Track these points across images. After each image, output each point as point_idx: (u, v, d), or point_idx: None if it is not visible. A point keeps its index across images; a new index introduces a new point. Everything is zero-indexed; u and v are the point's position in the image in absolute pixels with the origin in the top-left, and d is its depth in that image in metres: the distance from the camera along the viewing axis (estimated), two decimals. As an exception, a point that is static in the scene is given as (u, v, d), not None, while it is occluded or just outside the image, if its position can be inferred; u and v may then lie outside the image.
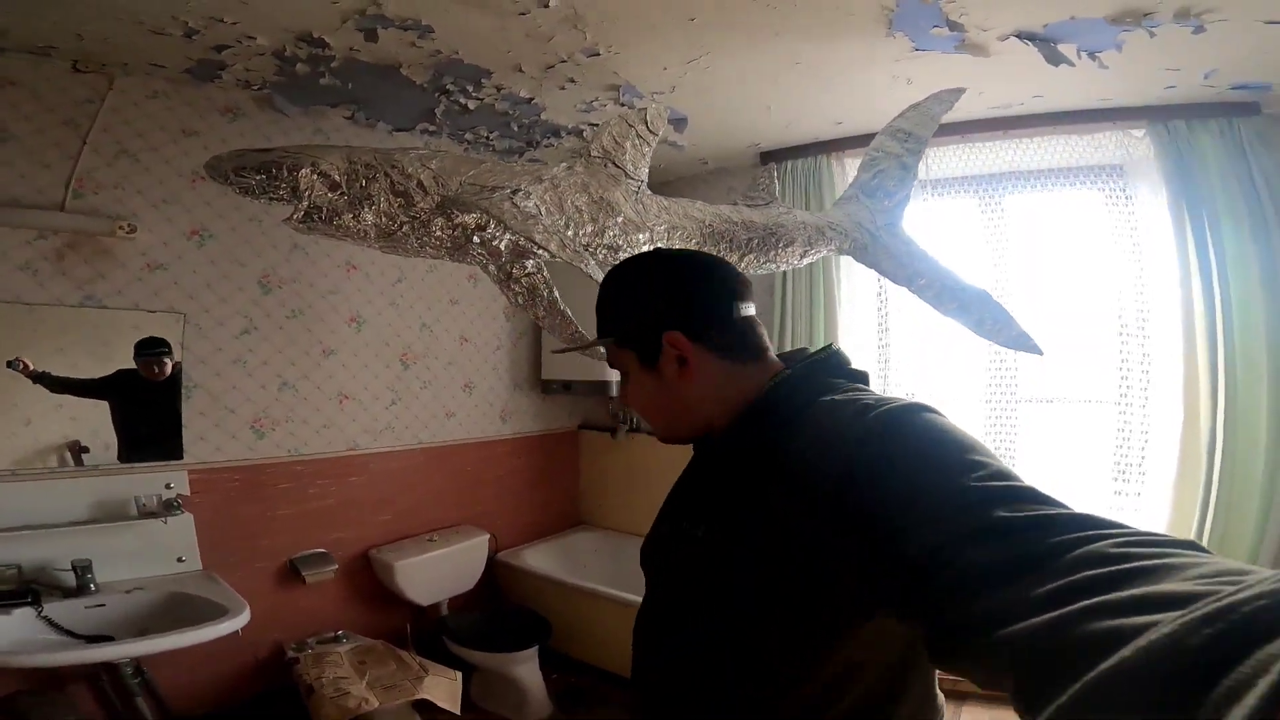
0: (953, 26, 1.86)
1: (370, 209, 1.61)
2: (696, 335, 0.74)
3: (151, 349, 2.07)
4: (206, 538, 2.11)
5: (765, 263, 1.99)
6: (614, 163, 1.93)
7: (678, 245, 1.90)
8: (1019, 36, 1.91)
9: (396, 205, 1.63)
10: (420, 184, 1.64)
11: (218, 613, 1.75)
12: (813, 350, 0.77)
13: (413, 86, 2.25)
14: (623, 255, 1.84)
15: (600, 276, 1.65)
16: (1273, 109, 2.25)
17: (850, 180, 2.76)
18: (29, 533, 1.78)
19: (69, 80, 1.98)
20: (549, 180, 1.78)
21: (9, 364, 1.84)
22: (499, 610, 2.81)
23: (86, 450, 1.95)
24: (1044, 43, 1.94)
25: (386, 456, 2.66)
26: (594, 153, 1.89)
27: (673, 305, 0.76)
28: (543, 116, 2.53)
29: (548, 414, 3.38)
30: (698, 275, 0.78)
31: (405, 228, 1.66)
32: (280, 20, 1.83)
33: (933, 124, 1.91)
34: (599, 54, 2.04)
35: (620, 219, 1.83)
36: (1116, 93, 2.27)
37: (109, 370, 2.01)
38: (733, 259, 1.98)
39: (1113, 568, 0.37)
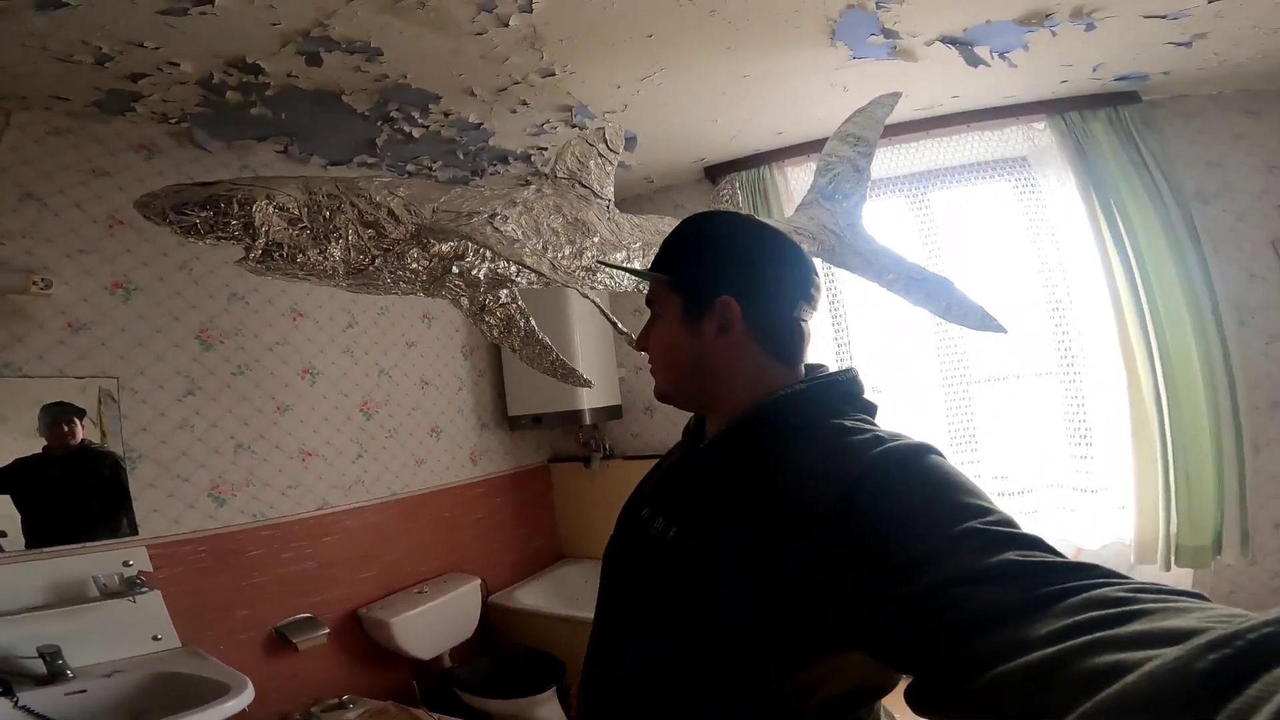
0: (887, 34, 2.00)
1: (338, 243, 1.51)
2: (750, 313, 0.72)
3: (60, 409, 1.86)
4: (180, 613, 1.91)
5: None
6: (580, 183, 1.92)
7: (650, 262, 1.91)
8: (943, 41, 2.08)
9: (367, 237, 1.54)
10: (391, 213, 1.56)
11: (216, 690, 1.59)
12: (833, 369, 0.76)
13: (354, 115, 2.17)
14: (602, 276, 1.83)
15: (592, 296, 1.64)
16: (1150, 95, 2.54)
17: (791, 188, 2.94)
18: None
19: None
20: (522, 203, 1.75)
21: None
22: (505, 654, 2.70)
23: (4, 534, 1.72)
24: (964, 46, 2.11)
25: (360, 511, 2.50)
26: (559, 174, 1.88)
27: (743, 274, 0.74)
28: (490, 142, 2.50)
29: (517, 450, 3.29)
30: (781, 259, 0.76)
31: (378, 261, 1.57)
32: (211, 45, 1.72)
33: (878, 126, 2.03)
34: (554, 74, 2.05)
35: (597, 239, 1.81)
36: (1019, 89, 2.50)
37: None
38: (708, 271, 2.01)
39: (1118, 609, 0.37)
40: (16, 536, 1.75)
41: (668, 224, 1.99)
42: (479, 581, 2.72)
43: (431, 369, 2.90)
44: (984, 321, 1.95)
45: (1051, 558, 0.45)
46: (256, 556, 2.17)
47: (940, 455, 0.58)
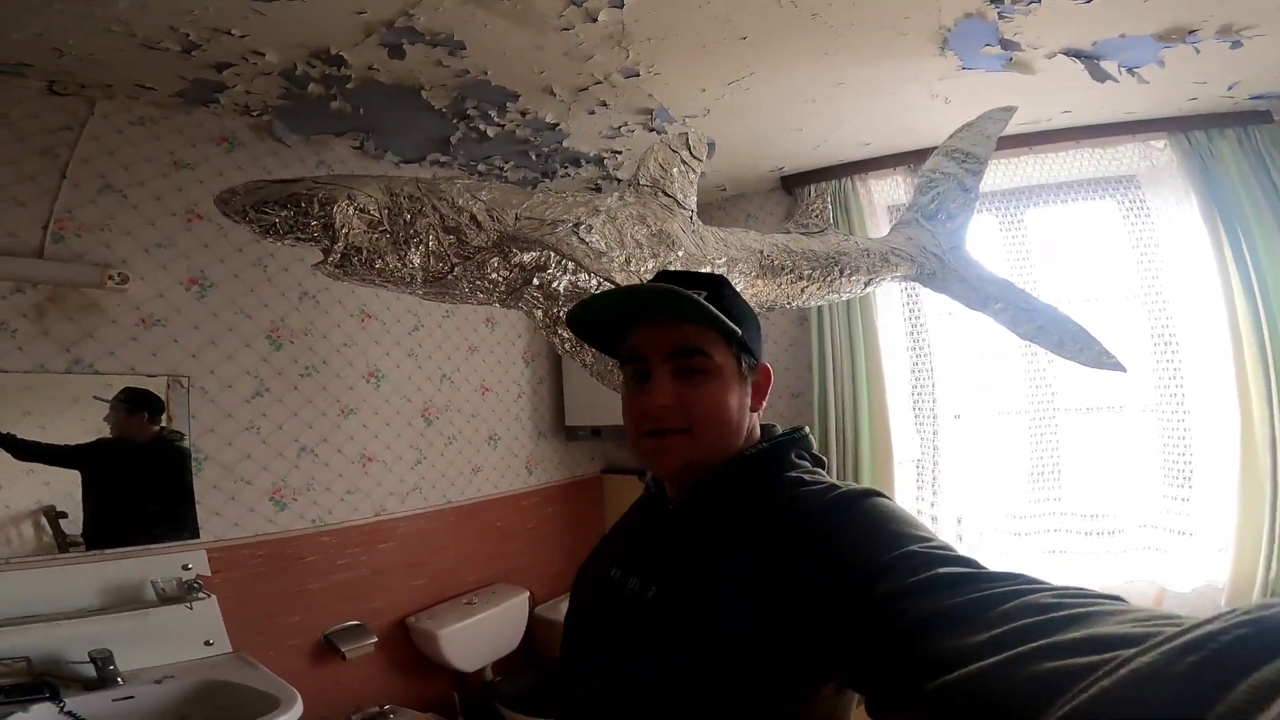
0: (1005, 45, 1.84)
1: (418, 249, 1.44)
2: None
3: (139, 396, 1.85)
4: (233, 618, 1.88)
5: (827, 294, 1.90)
6: (664, 191, 1.82)
7: (738, 278, 1.80)
8: (1066, 54, 1.90)
9: (448, 244, 1.46)
10: (474, 218, 1.48)
11: (266, 703, 1.55)
12: (784, 429, 0.79)
13: (431, 111, 2.11)
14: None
15: None
16: (1284, 116, 2.30)
17: (874, 201, 2.78)
18: (35, 624, 1.57)
19: (43, 104, 1.77)
20: (605, 212, 1.65)
21: None
22: (547, 668, 2.62)
23: (64, 515, 1.72)
24: (1090, 60, 1.93)
25: (416, 519, 2.46)
26: (642, 181, 1.78)
27: (760, 342, 0.79)
28: (565, 143, 2.42)
29: (571, 461, 3.21)
30: None
31: (457, 270, 1.49)
32: (296, 35, 1.67)
33: (990, 143, 1.88)
34: (638, 74, 1.95)
35: (681, 253, 1.71)
36: (1140, 106, 2.29)
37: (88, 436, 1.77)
38: (792, 291, 1.89)
39: (1048, 615, 0.39)
40: (76, 517, 1.74)
41: (753, 238, 1.88)
42: (528, 594, 2.66)
43: (492, 375, 2.84)
44: (1099, 359, 1.78)
45: (978, 570, 0.49)
46: (312, 562, 2.13)
47: (884, 497, 0.63)
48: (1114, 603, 0.40)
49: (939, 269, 1.85)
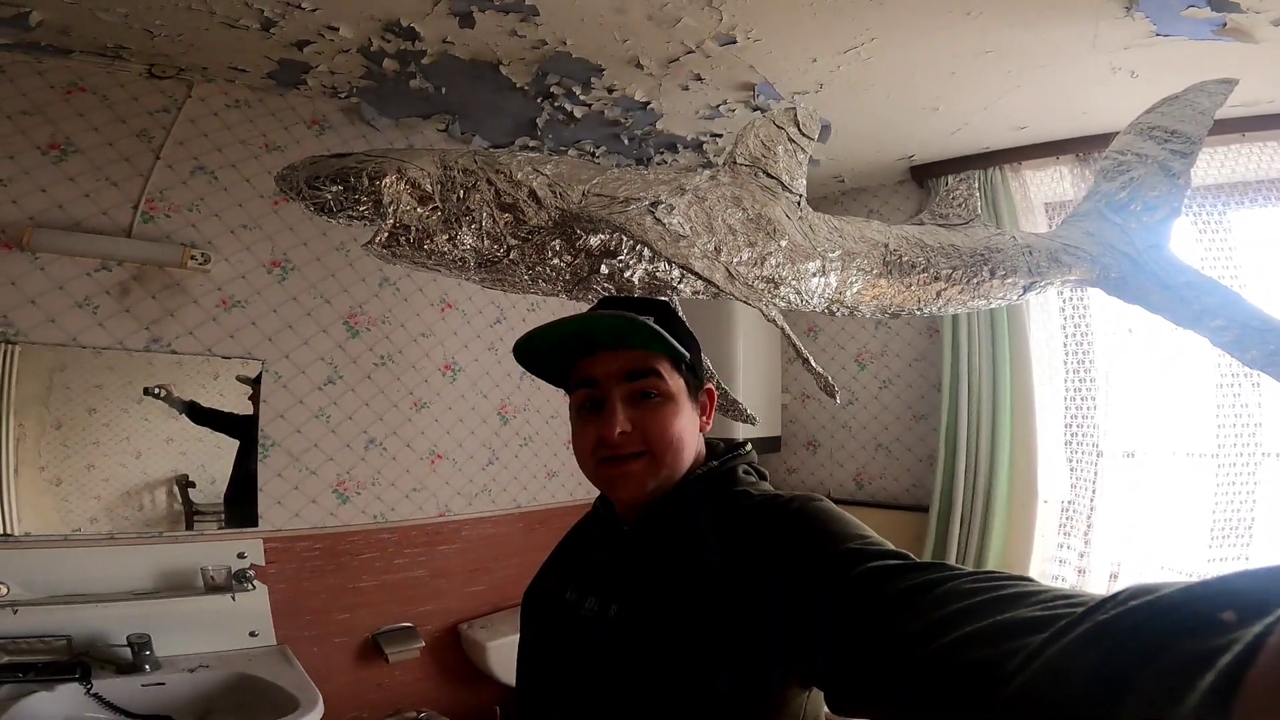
0: (1217, 6, 1.41)
1: (470, 228, 1.26)
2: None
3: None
4: (282, 610, 1.84)
5: (972, 299, 1.55)
6: (766, 172, 1.54)
7: (854, 276, 1.50)
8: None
9: (503, 224, 1.26)
10: (533, 194, 1.27)
11: (288, 703, 1.50)
12: (724, 445, 0.81)
13: (513, 90, 1.98)
14: (786, 290, 1.44)
15: (779, 320, 1.25)
16: None
17: (1030, 196, 2.34)
18: (82, 605, 1.57)
19: (143, 87, 1.81)
20: (692, 191, 1.39)
21: (146, 391, 1.74)
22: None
23: (193, 485, 1.81)
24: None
25: (482, 522, 2.34)
26: (740, 159, 1.51)
27: (702, 367, 0.82)
28: (659, 125, 2.20)
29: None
30: None
31: (513, 253, 1.30)
32: (364, 6, 1.58)
33: (1205, 121, 1.48)
34: (735, 41, 1.70)
35: (784, 243, 1.41)
36: None
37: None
38: (926, 295, 1.55)
39: (969, 600, 0.43)
40: (204, 488, 1.83)
41: (876, 229, 1.57)
42: (590, 612, 2.46)
43: (575, 375, 2.67)
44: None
45: (906, 561, 0.53)
46: (368, 559, 2.06)
47: (824, 500, 0.67)
48: (1023, 583, 0.43)
49: (1131, 273, 1.44)
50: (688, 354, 0.74)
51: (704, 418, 0.79)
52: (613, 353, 0.74)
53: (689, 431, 0.75)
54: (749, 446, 0.80)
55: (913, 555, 0.54)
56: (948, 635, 0.41)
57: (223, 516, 1.84)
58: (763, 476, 0.79)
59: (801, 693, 0.64)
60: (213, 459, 1.84)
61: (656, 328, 0.71)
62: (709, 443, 0.82)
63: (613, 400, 0.72)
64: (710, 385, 0.80)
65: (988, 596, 0.42)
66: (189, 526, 1.79)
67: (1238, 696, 0.23)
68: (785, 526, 0.63)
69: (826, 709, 0.57)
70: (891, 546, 0.57)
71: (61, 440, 1.66)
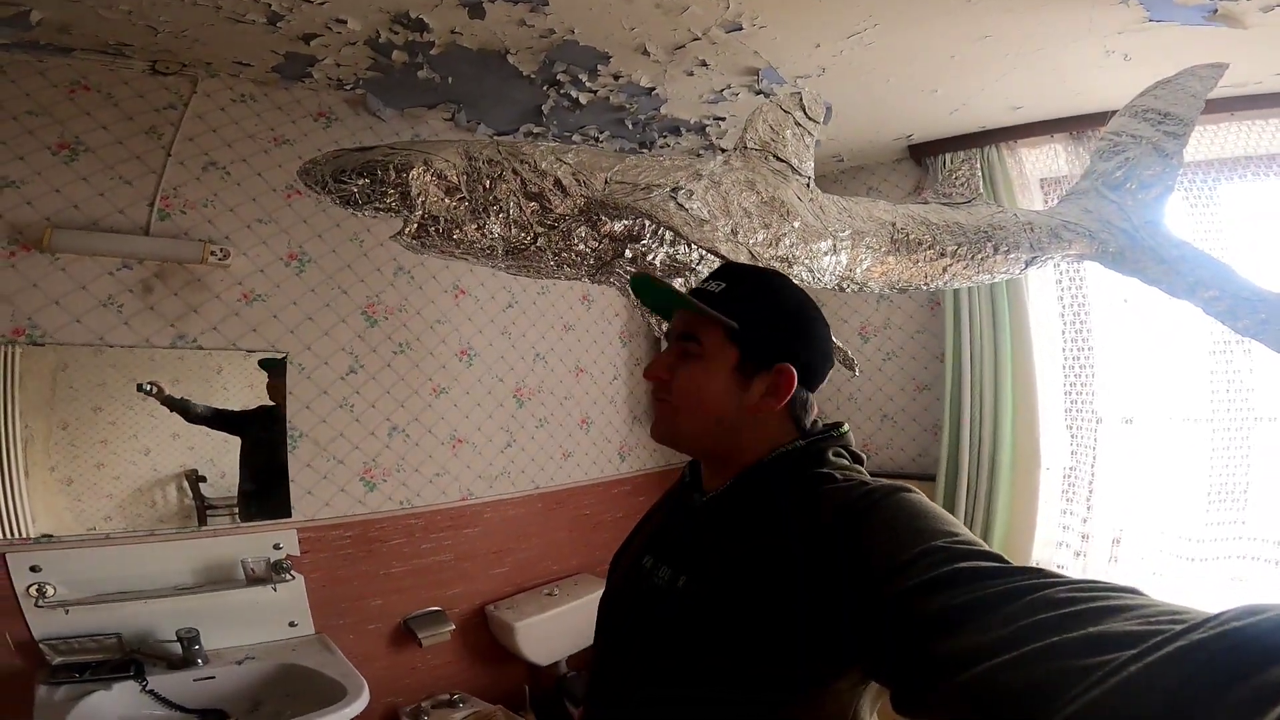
0: None
1: (498, 217, 1.31)
2: (798, 382, 0.76)
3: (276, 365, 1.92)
4: (317, 599, 1.89)
5: (977, 274, 1.62)
6: (776, 155, 1.59)
7: (864, 254, 1.56)
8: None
9: (530, 212, 1.32)
10: (558, 183, 1.33)
11: (335, 691, 1.55)
12: (825, 423, 0.80)
13: (519, 78, 1.99)
14: (799, 269, 1.50)
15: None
16: None
17: (1026, 173, 2.40)
18: (130, 602, 1.61)
19: (148, 83, 1.81)
20: (708, 176, 1.45)
21: (139, 388, 1.72)
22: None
23: (204, 480, 1.82)
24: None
25: (502, 504, 2.39)
26: (750, 144, 1.56)
27: (802, 345, 0.78)
28: (662, 110, 2.23)
29: (665, 448, 3.02)
30: (826, 334, 0.81)
31: (540, 240, 1.35)
32: None
33: (1196, 104, 1.54)
34: (741, 28, 1.73)
35: (798, 224, 1.47)
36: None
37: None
38: (932, 270, 1.62)
39: (1059, 611, 0.40)
40: (215, 482, 1.82)
41: (884, 208, 1.63)
42: (610, 587, 2.53)
43: (587, 355, 2.72)
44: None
45: (1000, 564, 0.50)
46: (397, 545, 2.11)
47: (915, 492, 0.64)
48: (1128, 596, 0.40)
49: (1128, 247, 1.51)
50: (736, 324, 0.75)
51: (770, 397, 0.76)
52: (683, 311, 0.81)
53: (714, 394, 0.75)
54: (845, 428, 0.79)
55: (1001, 554, 0.52)
56: (1026, 645, 0.38)
57: (235, 511, 1.85)
58: (858, 460, 0.77)
59: (857, 687, 0.63)
60: (221, 453, 1.85)
61: (700, 304, 0.76)
62: (804, 424, 0.80)
63: (666, 348, 0.82)
64: (789, 365, 0.75)
65: (1081, 608, 0.39)
66: (202, 521, 1.80)
67: None
68: (866, 517, 0.61)
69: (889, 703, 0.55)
70: (984, 546, 0.53)
71: (69, 440, 1.65)
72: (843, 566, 0.58)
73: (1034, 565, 0.48)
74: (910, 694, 0.49)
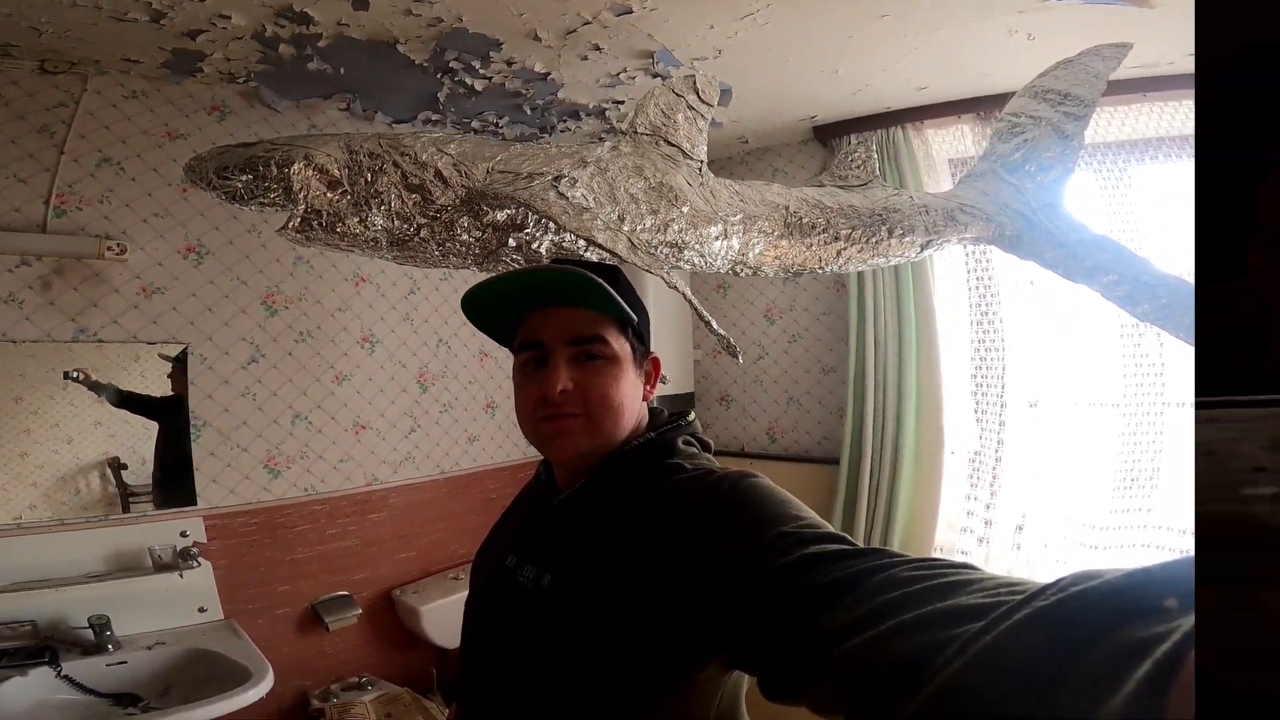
0: None
1: (380, 210, 1.31)
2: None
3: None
4: (225, 585, 1.92)
5: (872, 257, 1.64)
6: (667, 140, 1.61)
7: (756, 238, 1.58)
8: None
9: (412, 204, 1.32)
10: (439, 174, 1.33)
11: (240, 674, 1.60)
12: (670, 414, 0.81)
13: (412, 67, 1.96)
14: (690, 254, 1.52)
15: (680, 286, 1.33)
16: None
17: (932, 154, 2.41)
18: (44, 590, 1.65)
19: (37, 83, 1.77)
20: (594, 163, 1.45)
21: (66, 375, 1.76)
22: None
23: (125, 467, 1.85)
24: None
25: (407, 490, 2.41)
26: (640, 128, 1.57)
27: (648, 332, 0.80)
28: (560, 95, 2.22)
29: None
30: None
31: (424, 231, 1.35)
32: None
33: (1098, 84, 1.56)
34: (630, 11, 1.72)
35: (686, 209, 1.49)
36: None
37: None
38: (826, 254, 1.64)
39: (908, 589, 0.42)
40: (135, 469, 1.85)
41: (777, 192, 1.63)
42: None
43: (491, 340, 2.70)
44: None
45: (844, 547, 0.51)
46: (303, 531, 2.12)
47: (757, 477, 0.65)
48: (966, 571, 0.42)
49: (1025, 230, 1.54)
50: (635, 319, 0.74)
51: (648, 386, 0.78)
52: (561, 311, 0.73)
53: (629, 397, 0.74)
54: (692, 416, 0.79)
55: (846, 535, 0.53)
56: (881, 624, 0.39)
57: (155, 497, 1.87)
58: (706, 447, 0.78)
59: (724, 674, 0.64)
60: (141, 441, 1.88)
61: (609, 289, 0.70)
62: (653, 412, 0.81)
63: (557, 359, 0.72)
64: (655, 354, 0.78)
65: (926, 585, 0.41)
66: (125, 508, 1.83)
67: (1172, 686, 0.23)
68: (714, 508, 0.62)
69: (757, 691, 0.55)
70: (829, 529, 0.55)
71: (-8, 430, 1.66)
72: (702, 557, 0.58)
73: (878, 547, 0.50)
74: (774, 681, 0.49)
